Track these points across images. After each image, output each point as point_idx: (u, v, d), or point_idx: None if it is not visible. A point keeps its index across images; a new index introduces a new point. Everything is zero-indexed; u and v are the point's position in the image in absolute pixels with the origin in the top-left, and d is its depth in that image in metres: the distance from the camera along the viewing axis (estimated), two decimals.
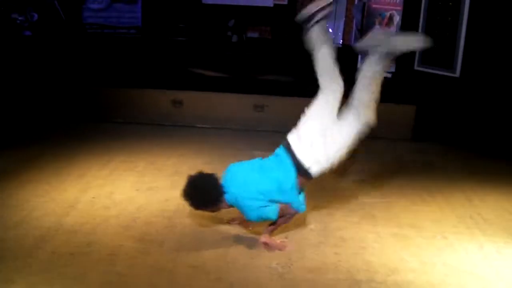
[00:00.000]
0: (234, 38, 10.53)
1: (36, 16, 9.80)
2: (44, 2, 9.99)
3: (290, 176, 3.92)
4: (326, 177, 5.55)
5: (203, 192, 3.95)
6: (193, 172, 5.46)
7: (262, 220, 3.99)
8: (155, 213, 4.66)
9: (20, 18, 9.59)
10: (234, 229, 4.41)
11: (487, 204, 5.22)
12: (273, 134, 7.16)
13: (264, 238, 4.19)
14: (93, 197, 4.93)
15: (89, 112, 7.39)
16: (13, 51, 8.51)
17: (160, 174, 5.56)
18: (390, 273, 3.86)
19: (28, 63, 8.03)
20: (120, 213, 4.64)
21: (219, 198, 3.94)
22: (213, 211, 4.06)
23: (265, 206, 3.90)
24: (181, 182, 4.83)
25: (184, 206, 4.66)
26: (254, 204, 3.88)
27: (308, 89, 4.30)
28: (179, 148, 6.45)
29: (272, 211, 3.94)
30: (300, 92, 7.42)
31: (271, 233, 4.22)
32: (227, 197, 3.94)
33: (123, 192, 5.08)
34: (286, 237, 4.32)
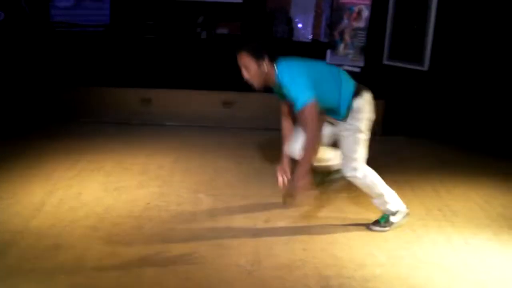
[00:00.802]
0: (203, 35, 10.47)
1: (2, 15, 9.67)
2: (10, 1, 9.86)
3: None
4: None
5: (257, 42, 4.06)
6: (161, 170, 5.50)
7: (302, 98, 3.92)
8: (123, 213, 4.62)
9: None
10: (202, 228, 4.39)
11: (455, 196, 5.27)
12: (242, 130, 7.17)
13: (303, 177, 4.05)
14: (61, 199, 4.87)
15: (56, 112, 7.30)
16: None
17: (128, 174, 5.52)
18: (358, 268, 3.87)
19: None
20: (87, 214, 4.59)
21: (267, 55, 3.97)
22: (255, 69, 3.98)
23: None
24: (149, 182, 4.83)
25: (152, 206, 4.68)
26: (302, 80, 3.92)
27: None
28: (147, 147, 6.41)
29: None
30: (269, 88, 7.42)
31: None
32: (278, 68, 3.99)
33: (90, 193, 5.03)
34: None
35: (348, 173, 4.30)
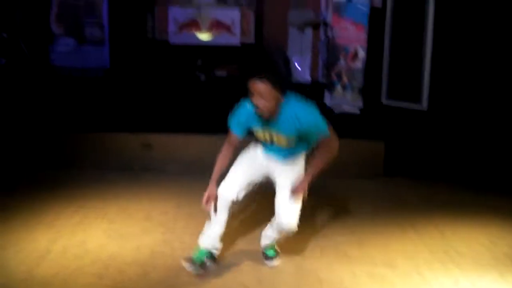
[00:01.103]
0: (202, 78, 10.53)
1: (3, 61, 9.73)
2: (10, 46, 9.93)
3: None
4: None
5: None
6: (165, 216, 5.48)
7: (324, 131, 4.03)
8: (127, 260, 4.59)
9: None
10: (207, 275, 4.36)
11: (460, 237, 5.26)
12: None
13: (306, 179, 4.13)
14: (65, 246, 4.83)
15: (57, 159, 7.30)
16: None
17: (131, 220, 5.50)
18: None
19: None
20: (92, 261, 4.56)
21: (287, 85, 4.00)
22: (271, 98, 3.92)
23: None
24: (153, 228, 4.80)
25: (157, 252, 4.65)
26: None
27: None
28: (150, 192, 6.40)
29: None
30: None
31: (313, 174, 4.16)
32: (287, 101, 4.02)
33: (94, 240, 5.00)
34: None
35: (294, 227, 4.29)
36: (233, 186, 4.26)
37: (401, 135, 7.40)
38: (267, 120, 4.04)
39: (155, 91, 9.68)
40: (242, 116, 4.20)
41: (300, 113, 3.99)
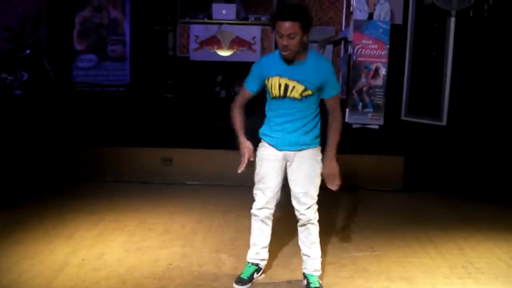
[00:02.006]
0: (222, 94, 10.61)
1: (25, 75, 9.88)
2: (33, 62, 10.08)
3: None
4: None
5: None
6: (183, 229, 5.50)
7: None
8: (145, 274, 4.61)
9: (10, 78, 9.66)
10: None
11: (479, 252, 5.21)
12: None
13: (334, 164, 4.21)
14: (83, 259, 4.87)
15: (77, 171, 7.36)
16: (3, 111, 8.54)
17: (150, 233, 5.52)
18: None
19: (18, 122, 8.04)
20: (110, 275, 4.59)
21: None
22: (299, 40, 3.94)
23: None
24: (172, 241, 4.82)
25: (175, 266, 4.66)
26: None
27: None
28: (169, 206, 6.41)
29: None
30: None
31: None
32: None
33: (113, 253, 5.03)
34: None
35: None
36: (268, 200, 4.32)
37: (421, 150, 7.37)
38: (290, 64, 4.05)
39: (175, 107, 9.77)
40: (262, 64, 4.22)
41: (323, 64, 4.09)
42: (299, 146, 4.17)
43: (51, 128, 7.97)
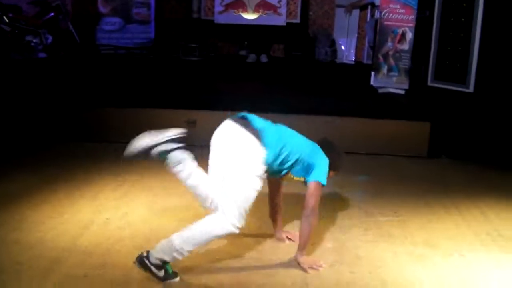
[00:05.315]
0: (251, 59, 10.48)
1: (50, 38, 9.89)
2: (58, 25, 10.09)
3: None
4: (340, 194, 5.60)
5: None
6: None
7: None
8: (169, 234, 4.58)
9: (34, 41, 9.69)
10: (248, 251, 4.38)
11: (504, 220, 5.17)
12: None
13: (304, 260, 4.12)
14: (107, 218, 4.92)
15: (102, 133, 7.38)
16: (28, 73, 8.57)
17: (175, 195, 5.52)
18: None
19: (42, 85, 8.07)
20: (134, 234, 4.63)
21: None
22: None
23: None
24: (195, 202, 4.82)
25: None
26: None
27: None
28: None
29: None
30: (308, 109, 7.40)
31: (304, 250, 4.16)
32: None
33: (137, 213, 5.07)
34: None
35: None
36: None
37: (447, 116, 7.28)
38: None
39: (199, 70, 9.74)
40: None
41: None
42: None
43: (76, 90, 7.99)
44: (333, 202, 5.36)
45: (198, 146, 7.17)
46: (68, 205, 5.20)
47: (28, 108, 7.43)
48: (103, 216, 4.96)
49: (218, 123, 6.79)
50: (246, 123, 4.02)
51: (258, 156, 3.86)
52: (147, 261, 3.80)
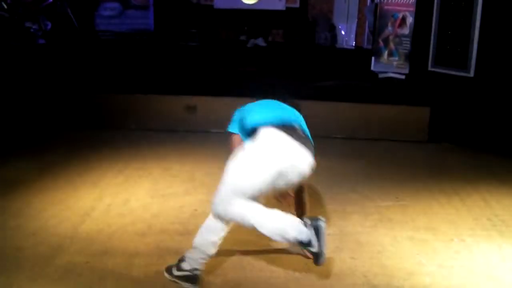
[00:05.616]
0: (250, 44, 10.47)
1: (49, 24, 9.86)
2: (57, 11, 10.05)
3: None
4: (341, 180, 5.61)
5: None
6: (208, 177, 5.49)
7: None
8: (170, 220, 4.65)
9: (33, 27, 9.65)
10: (249, 235, 4.38)
11: (504, 205, 5.17)
12: None
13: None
14: (109, 205, 4.93)
15: (101, 119, 7.39)
16: (28, 59, 8.55)
17: (175, 181, 5.55)
18: (407, 277, 3.83)
19: (41, 71, 8.05)
20: (135, 220, 4.64)
21: None
22: None
23: None
24: (196, 189, 4.84)
25: (199, 212, 4.69)
26: None
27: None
28: (193, 154, 6.44)
29: None
30: (313, 94, 7.40)
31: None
32: None
33: (138, 199, 5.08)
34: None
35: None
36: None
37: (447, 101, 7.27)
38: None
39: (199, 55, 9.71)
40: None
41: None
42: None
43: (75, 76, 7.98)
44: (333, 188, 5.38)
45: (199, 132, 7.26)
46: (70, 192, 5.22)
47: (27, 95, 7.43)
48: (104, 203, 4.97)
49: (218, 108, 6.79)
50: (306, 141, 3.74)
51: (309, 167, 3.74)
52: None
